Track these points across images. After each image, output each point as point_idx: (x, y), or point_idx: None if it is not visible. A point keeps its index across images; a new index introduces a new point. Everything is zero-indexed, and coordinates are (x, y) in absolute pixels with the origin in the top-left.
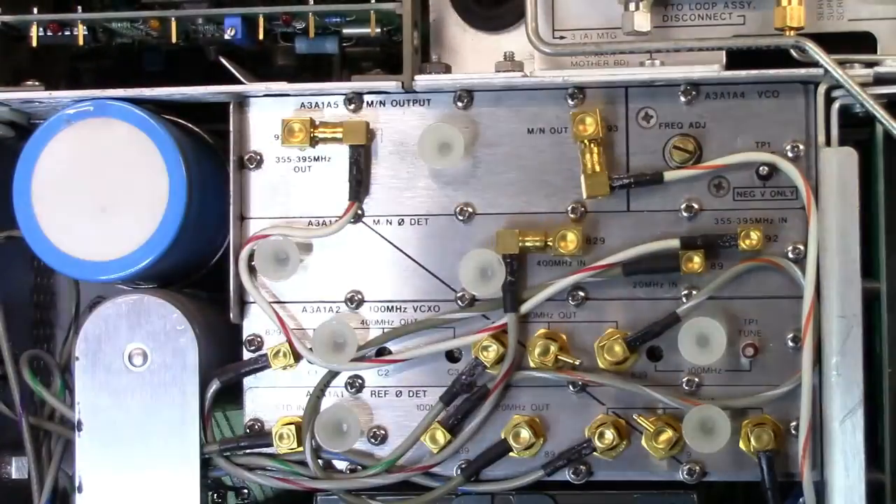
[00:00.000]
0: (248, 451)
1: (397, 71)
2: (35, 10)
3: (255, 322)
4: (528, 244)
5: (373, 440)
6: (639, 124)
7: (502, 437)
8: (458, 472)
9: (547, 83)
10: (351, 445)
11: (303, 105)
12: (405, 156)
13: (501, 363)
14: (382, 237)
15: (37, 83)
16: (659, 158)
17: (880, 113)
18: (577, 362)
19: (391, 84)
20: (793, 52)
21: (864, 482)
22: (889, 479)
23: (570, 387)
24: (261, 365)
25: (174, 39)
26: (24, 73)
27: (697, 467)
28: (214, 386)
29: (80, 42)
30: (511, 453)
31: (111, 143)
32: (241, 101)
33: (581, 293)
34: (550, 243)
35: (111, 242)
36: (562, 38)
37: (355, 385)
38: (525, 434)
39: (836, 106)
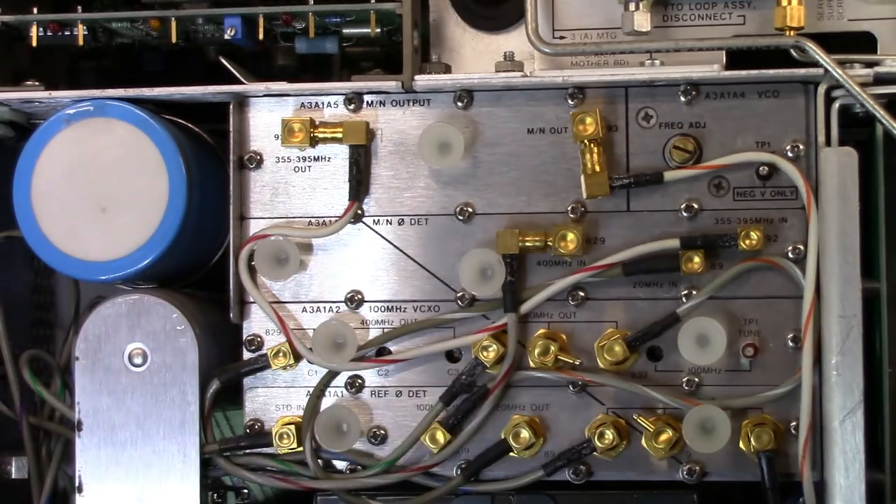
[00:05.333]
0: (248, 451)
1: (397, 71)
2: (35, 10)
3: (255, 322)
4: (528, 244)
5: (373, 440)
6: (639, 124)
7: (502, 437)
8: (458, 472)
9: (547, 83)
10: (351, 445)
11: (303, 105)
12: (405, 156)
13: (501, 363)
14: (382, 237)
15: (37, 83)
16: (659, 158)
17: (880, 113)
18: (577, 362)
19: (391, 84)
20: (793, 52)
21: (864, 482)
22: (889, 479)
23: (570, 387)
24: (261, 365)
25: (174, 39)
26: (24, 73)
27: (697, 467)
28: (214, 386)
29: (80, 42)
30: (511, 453)
31: (111, 143)
32: (241, 101)
33: (581, 293)
34: (550, 243)
35: (111, 242)
36: (562, 38)
37: (355, 385)
38: (525, 434)
39: (836, 106)
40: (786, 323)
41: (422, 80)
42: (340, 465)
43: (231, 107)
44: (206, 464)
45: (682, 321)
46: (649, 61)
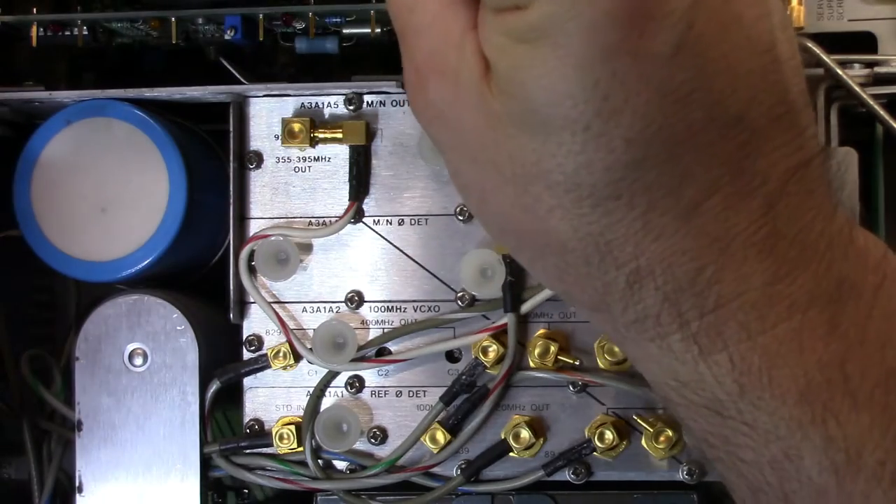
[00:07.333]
0: (248, 451)
1: (397, 71)
2: (35, 10)
3: (255, 322)
4: None
5: (373, 440)
6: None
7: (502, 437)
8: (458, 472)
9: None
10: (351, 445)
11: (303, 105)
12: (405, 156)
13: (501, 363)
14: (382, 237)
15: (37, 83)
16: None
17: (880, 113)
18: (577, 362)
19: (391, 84)
20: None
21: None
22: None
23: (570, 387)
24: (261, 365)
25: (174, 39)
26: (24, 73)
27: (697, 467)
28: (214, 386)
29: (80, 42)
30: (511, 453)
31: (111, 143)
32: (241, 101)
33: None
34: None
35: (111, 242)
36: None
37: (355, 385)
38: (525, 434)
39: (836, 106)
40: None
41: None
42: (340, 465)
43: (231, 107)
44: (206, 464)
45: None
46: None
